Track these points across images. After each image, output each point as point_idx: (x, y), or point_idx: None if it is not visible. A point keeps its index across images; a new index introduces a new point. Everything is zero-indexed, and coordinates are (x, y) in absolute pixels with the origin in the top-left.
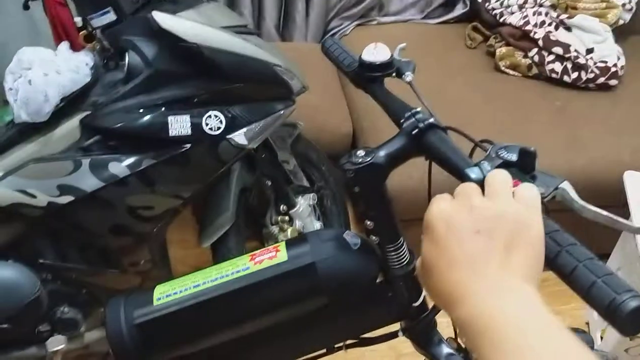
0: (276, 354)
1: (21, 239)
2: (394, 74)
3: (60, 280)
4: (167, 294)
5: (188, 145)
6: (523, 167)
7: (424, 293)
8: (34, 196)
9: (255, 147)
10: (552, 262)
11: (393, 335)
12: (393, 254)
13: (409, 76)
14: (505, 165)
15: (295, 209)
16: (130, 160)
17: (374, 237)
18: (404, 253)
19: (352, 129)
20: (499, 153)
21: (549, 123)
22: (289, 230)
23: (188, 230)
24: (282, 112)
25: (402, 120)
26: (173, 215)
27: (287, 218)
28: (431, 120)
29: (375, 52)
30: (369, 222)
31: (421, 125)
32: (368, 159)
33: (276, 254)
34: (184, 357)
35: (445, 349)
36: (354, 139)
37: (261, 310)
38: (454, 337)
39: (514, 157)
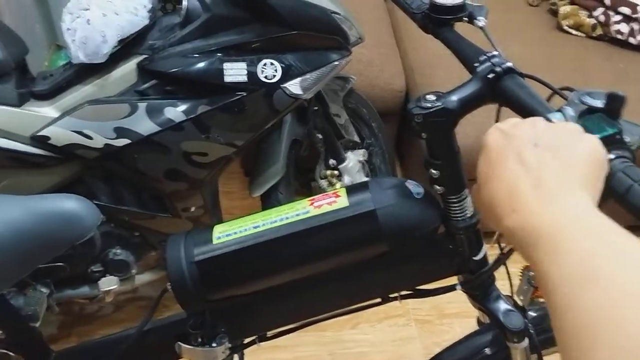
0: (330, 299)
1: (77, 180)
2: (465, 19)
3: (114, 222)
4: (226, 233)
5: (243, 93)
6: (609, 114)
7: (485, 247)
8: (90, 137)
9: (309, 97)
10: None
11: (450, 288)
12: (456, 205)
13: (481, 21)
14: (590, 111)
15: (345, 164)
16: (186, 105)
17: (437, 187)
18: (467, 205)
19: (406, 85)
20: (583, 99)
21: (611, 86)
22: (337, 185)
23: (234, 182)
24: (337, 62)
25: (476, 64)
26: (226, 163)
27: (336, 173)
28: (509, 64)
29: None
30: (434, 171)
31: (498, 69)
32: (439, 104)
33: (336, 199)
34: (240, 296)
35: (504, 305)
36: (407, 95)
37: (319, 255)
38: (510, 294)
39: (598, 103)
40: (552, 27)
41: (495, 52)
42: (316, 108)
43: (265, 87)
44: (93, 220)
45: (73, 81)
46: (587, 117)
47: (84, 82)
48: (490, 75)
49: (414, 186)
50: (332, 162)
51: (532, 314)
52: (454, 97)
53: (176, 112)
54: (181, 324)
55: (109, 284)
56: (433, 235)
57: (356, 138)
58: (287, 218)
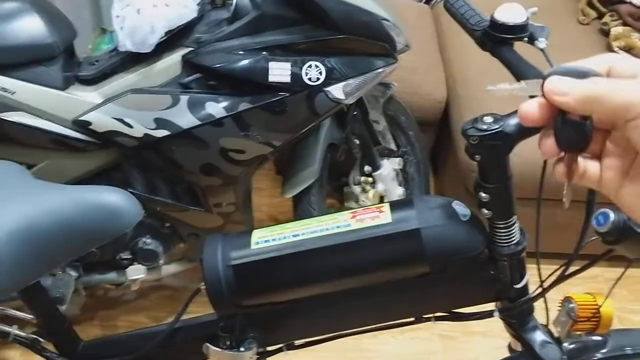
0: (363, 315)
1: (114, 167)
2: (526, 39)
3: (146, 211)
4: (265, 239)
5: (286, 94)
6: None
7: (527, 276)
8: (130, 126)
9: (351, 102)
10: None
11: (488, 314)
12: (503, 231)
13: (542, 42)
14: None
15: (380, 171)
16: (228, 102)
17: (485, 211)
18: (514, 231)
19: (447, 95)
20: None
21: None
22: (371, 193)
23: (265, 180)
24: (382, 69)
25: None
26: (261, 162)
27: (370, 179)
28: None
29: (510, 13)
30: (483, 194)
31: None
32: (496, 127)
33: (380, 214)
34: (273, 304)
35: (540, 336)
36: (447, 106)
37: (357, 269)
38: (546, 323)
39: None
40: (602, 47)
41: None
42: (355, 113)
43: (308, 89)
44: (135, 215)
45: (118, 68)
46: None
47: (129, 71)
48: None
49: (460, 207)
50: (367, 168)
51: (567, 346)
52: (513, 121)
53: (217, 107)
54: (211, 326)
55: (137, 272)
56: (477, 259)
57: (393, 146)
58: (327, 229)
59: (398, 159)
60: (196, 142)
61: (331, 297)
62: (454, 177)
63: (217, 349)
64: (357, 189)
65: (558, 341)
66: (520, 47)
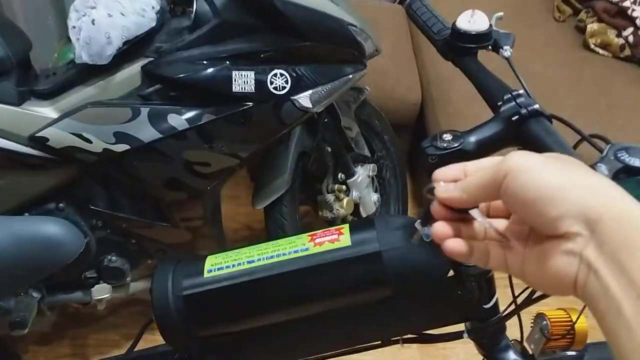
0: (326, 341)
1: (74, 184)
2: (489, 47)
3: (110, 228)
4: (218, 266)
5: (250, 104)
6: None
7: (496, 295)
8: (89, 141)
9: (319, 111)
10: None
11: (457, 335)
12: None
13: (507, 51)
14: (626, 170)
15: (354, 178)
16: (191, 113)
17: None
18: None
19: (422, 98)
20: (619, 155)
21: (637, 111)
22: (345, 201)
23: (240, 188)
24: (351, 76)
25: (499, 103)
26: (229, 174)
27: (344, 187)
28: (536, 106)
29: (472, 20)
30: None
31: (523, 111)
32: (456, 145)
33: (339, 237)
34: (228, 335)
35: (513, 356)
36: (422, 108)
37: (316, 295)
38: (519, 339)
39: (637, 162)
40: (578, 45)
41: (521, 91)
42: (327, 120)
43: (273, 99)
44: (76, 247)
45: (75, 81)
46: (623, 179)
47: (86, 83)
48: (515, 118)
49: (423, 227)
50: (340, 176)
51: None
52: (472, 138)
53: (180, 119)
54: (166, 357)
55: (102, 292)
56: (442, 280)
57: (367, 152)
58: (284, 254)
59: (372, 165)
60: (159, 156)
61: (292, 324)
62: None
63: None
64: (330, 198)
65: (532, 358)
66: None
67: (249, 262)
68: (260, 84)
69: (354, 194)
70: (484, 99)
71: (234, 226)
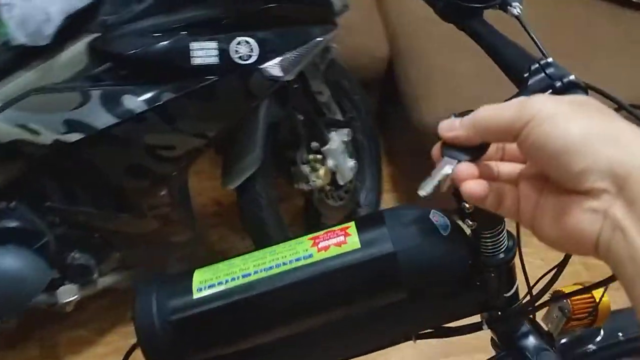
0: (336, 349)
1: (25, 180)
2: (497, 5)
3: (69, 224)
4: (209, 283)
5: (214, 77)
6: None
7: (516, 283)
8: (37, 133)
9: (291, 78)
10: None
11: (476, 327)
12: (489, 240)
13: (517, 8)
14: None
15: (328, 146)
16: (148, 93)
17: (469, 222)
18: (502, 239)
19: (389, 51)
20: None
21: (615, 50)
22: (322, 170)
23: (204, 160)
24: (322, 37)
25: (525, 75)
26: (196, 155)
27: (319, 156)
28: (571, 77)
29: None
30: (467, 205)
31: (558, 84)
32: None
33: (346, 238)
34: (226, 357)
35: (533, 342)
36: (390, 63)
37: (323, 307)
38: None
39: None
40: None
41: (550, 59)
42: (296, 86)
43: (239, 70)
44: (41, 279)
45: (13, 66)
46: None
47: (26, 68)
48: (548, 92)
49: (440, 218)
50: (314, 144)
51: (560, 341)
52: None
53: (136, 101)
54: None
55: (69, 293)
56: (462, 274)
57: (339, 116)
58: (284, 264)
59: (346, 129)
60: (117, 143)
61: (295, 337)
62: (404, 136)
63: None
64: (306, 169)
65: (550, 336)
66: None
67: (244, 276)
68: (223, 54)
69: (330, 162)
70: (502, 70)
71: (201, 202)
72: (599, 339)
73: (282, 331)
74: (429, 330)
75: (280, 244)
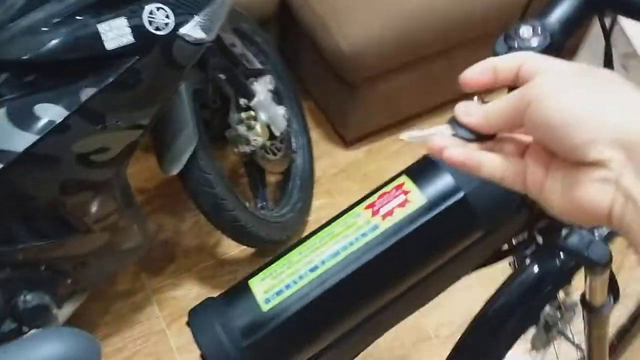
0: (403, 308)
1: None
2: None
3: (9, 265)
4: (276, 290)
5: (135, 57)
6: None
7: None
8: None
9: (214, 38)
10: None
11: (529, 241)
12: None
13: None
14: None
15: (256, 98)
16: (64, 96)
17: None
18: None
19: None
20: None
21: None
22: (258, 126)
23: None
24: None
25: None
26: (133, 150)
27: (252, 113)
28: None
29: None
30: None
31: None
32: (542, 38)
33: (407, 196)
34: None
35: (583, 237)
36: None
37: (404, 274)
38: None
39: None
40: None
41: None
42: (210, 44)
43: (159, 42)
44: (96, 354)
45: None
46: None
47: None
48: None
49: None
50: (243, 102)
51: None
52: (553, 19)
53: (53, 108)
54: None
55: None
56: (520, 202)
57: (258, 64)
58: (352, 244)
59: (267, 76)
60: (44, 162)
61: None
62: (315, 69)
63: None
64: (242, 129)
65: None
66: None
67: (312, 270)
68: (137, 29)
69: (262, 116)
70: None
71: (145, 199)
72: None
73: (363, 312)
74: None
75: (332, 224)
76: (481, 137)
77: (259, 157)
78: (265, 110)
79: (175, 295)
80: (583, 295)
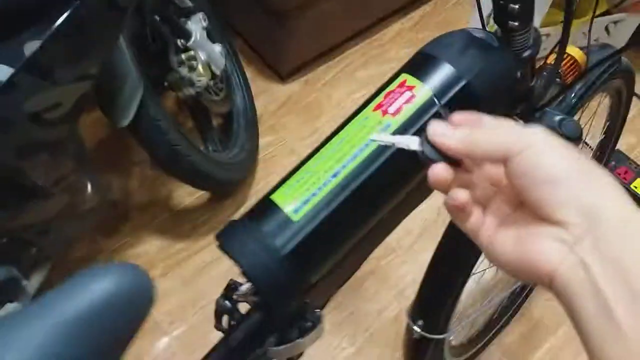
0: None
1: None
2: None
3: None
4: (303, 200)
5: (75, 3)
6: None
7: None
8: None
9: None
10: None
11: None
12: (521, 37)
13: None
14: None
15: (193, 37)
16: (6, 53)
17: (512, 24)
18: (529, 35)
19: None
20: None
21: None
22: (200, 66)
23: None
24: None
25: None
26: (85, 103)
27: (191, 53)
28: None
29: None
30: (514, 5)
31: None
32: None
33: (412, 92)
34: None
35: (553, 116)
36: None
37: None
38: None
39: None
40: None
41: None
42: None
43: None
44: (148, 287)
45: None
46: None
47: None
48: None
49: (482, 33)
50: (180, 42)
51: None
52: None
53: None
54: (263, 329)
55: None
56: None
57: (188, 2)
58: (367, 145)
59: (199, 14)
60: None
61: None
62: (243, 3)
63: (284, 346)
64: (184, 71)
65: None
66: None
67: (335, 176)
68: None
69: (201, 55)
70: None
71: (99, 155)
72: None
73: (389, 206)
74: None
75: (341, 132)
76: (447, 161)
77: (204, 99)
78: (203, 49)
79: (137, 252)
80: None
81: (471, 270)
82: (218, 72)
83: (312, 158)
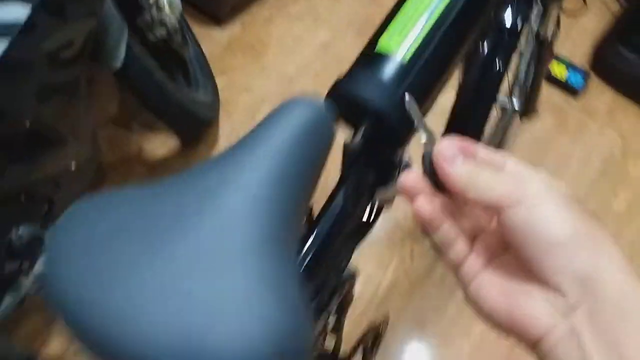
0: None
1: None
2: None
3: None
4: (410, 42)
5: None
6: None
7: None
8: None
9: None
10: None
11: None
12: None
13: None
14: None
15: None
16: None
17: None
18: None
19: None
20: None
21: None
22: (166, 5)
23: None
24: None
25: None
26: (91, 41)
27: None
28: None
29: None
30: None
31: None
32: None
33: None
34: None
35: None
36: None
37: None
38: None
39: None
40: None
41: None
42: None
43: None
44: (326, 116)
45: None
46: None
47: None
48: None
49: None
50: None
51: None
52: None
53: (13, 7)
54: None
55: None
56: None
57: None
58: None
59: None
60: (17, 69)
61: None
62: None
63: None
64: (154, 13)
65: None
66: None
67: (431, 15)
68: None
69: None
70: None
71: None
72: None
73: (473, 35)
74: None
75: None
76: (439, 189)
77: (174, 43)
78: None
79: None
80: (537, 33)
81: None
82: (178, 13)
83: (404, 4)
